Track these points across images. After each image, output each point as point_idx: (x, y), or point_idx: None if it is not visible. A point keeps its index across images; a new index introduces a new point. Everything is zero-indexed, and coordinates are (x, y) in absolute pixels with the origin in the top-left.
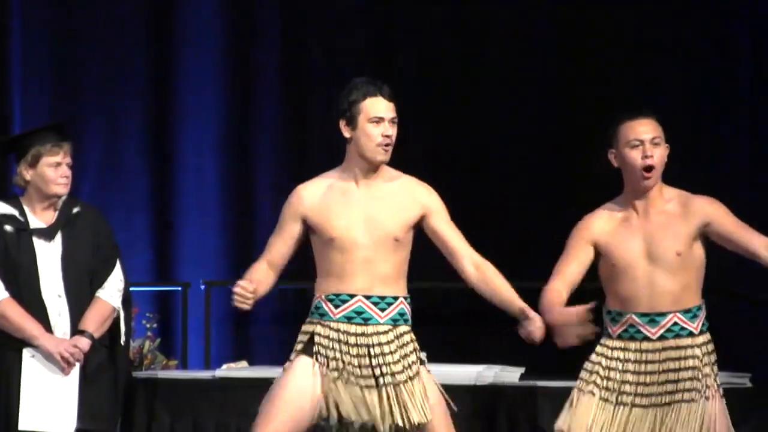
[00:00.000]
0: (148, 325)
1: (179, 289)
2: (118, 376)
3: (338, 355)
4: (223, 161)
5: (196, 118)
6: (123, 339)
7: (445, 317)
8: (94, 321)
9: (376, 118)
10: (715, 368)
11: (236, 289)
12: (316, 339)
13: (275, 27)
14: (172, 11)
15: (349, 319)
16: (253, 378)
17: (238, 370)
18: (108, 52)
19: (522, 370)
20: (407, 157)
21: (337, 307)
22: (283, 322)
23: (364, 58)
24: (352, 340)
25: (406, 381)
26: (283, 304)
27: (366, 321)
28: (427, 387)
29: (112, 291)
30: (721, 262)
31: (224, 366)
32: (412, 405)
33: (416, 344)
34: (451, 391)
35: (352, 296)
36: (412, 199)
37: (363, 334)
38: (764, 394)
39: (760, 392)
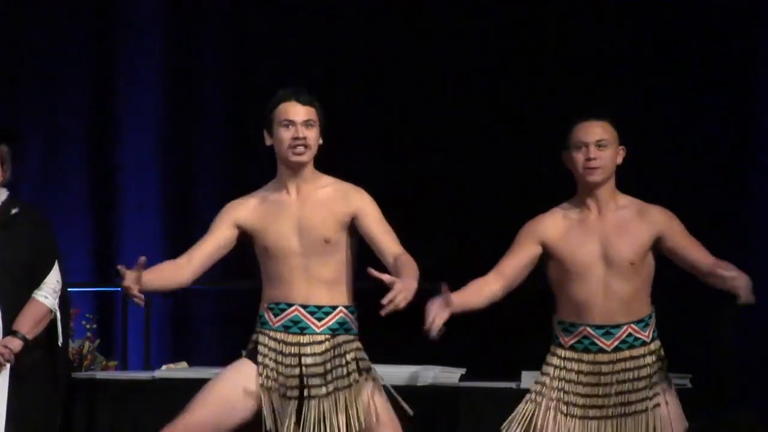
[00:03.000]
0: (87, 326)
1: (119, 289)
2: (56, 377)
3: (274, 364)
4: (163, 163)
5: (137, 120)
6: (60, 340)
7: (383, 318)
8: (28, 322)
9: (286, 121)
10: (668, 374)
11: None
12: (259, 348)
13: (219, 30)
14: (114, 12)
15: (286, 329)
16: (192, 379)
17: (177, 370)
18: (49, 53)
19: (462, 371)
20: (353, 166)
21: (276, 315)
22: (222, 323)
23: (309, 61)
24: (287, 349)
25: (329, 394)
26: (222, 304)
27: (302, 330)
28: (371, 396)
29: (48, 292)
30: (658, 262)
31: (164, 367)
32: (329, 420)
33: (359, 353)
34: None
35: (290, 305)
36: (343, 201)
37: (299, 344)
38: (704, 396)
39: (701, 393)
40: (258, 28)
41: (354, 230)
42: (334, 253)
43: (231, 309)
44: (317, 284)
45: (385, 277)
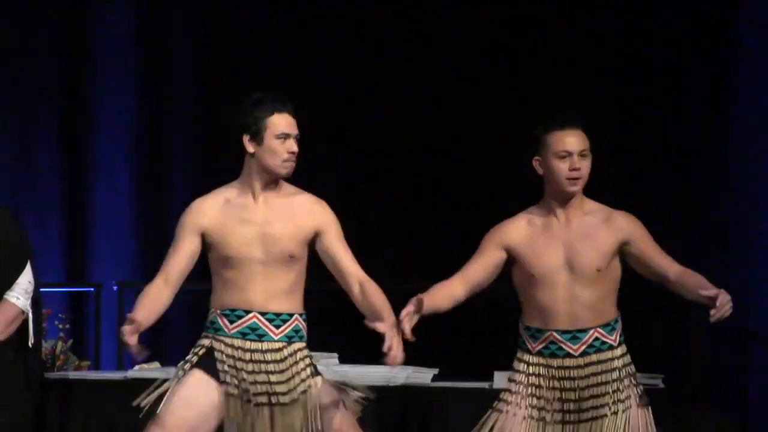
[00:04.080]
0: (60, 326)
1: (92, 290)
2: (29, 378)
3: (233, 371)
4: (136, 163)
5: (109, 119)
6: (32, 340)
7: (357, 317)
8: None
9: (283, 134)
10: (635, 378)
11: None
12: (216, 355)
13: (188, 30)
14: (85, 11)
15: (243, 335)
16: (165, 379)
17: (150, 371)
18: (21, 52)
19: (435, 371)
20: (317, 172)
21: (232, 322)
22: (195, 323)
23: (277, 66)
24: (246, 356)
25: (291, 402)
26: (194, 305)
27: (260, 337)
28: (322, 397)
29: (19, 292)
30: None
31: (136, 367)
32: (295, 425)
33: (311, 360)
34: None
35: (247, 312)
36: (308, 215)
37: (257, 351)
38: (677, 395)
39: (673, 393)
40: (231, 28)
41: (311, 242)
42: (296, 266)
43: (203, 310)
44: (276, 293)
45: (380, 328)
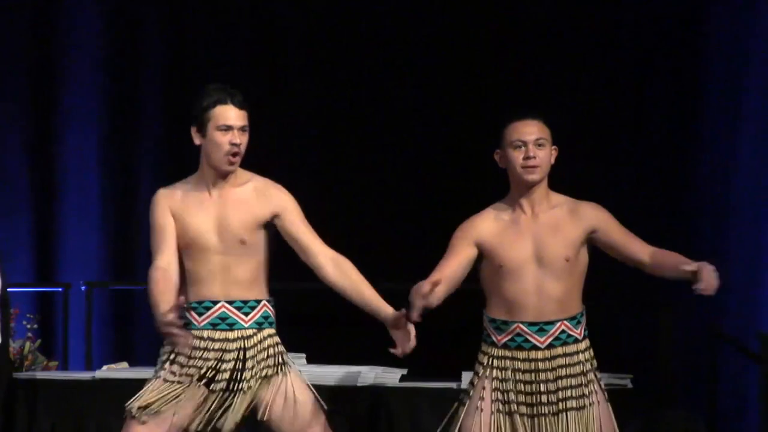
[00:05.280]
0: (28, 326)
1: (60, 290)
2: None
3: (200, 363)
4: (104, 162)
5: (77, 119)
6: (0, 340)
7: (325, 317)
8: None
9: (225, 126)
10: (598, 372)
11: (171, 331)
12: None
13: (158, 30)
14: (55, 10)
15: (213, 326)
16: (133, 379)
17: (118, 371)
18: None
19: (404, 371)
20: (292, 161)
21: (200, 314)
22: None
23: (247, 62)
24: (216, 346)
25: (261, 383)
26: None
27: (231, 326)
28: (294, 387)
29: None
30: (601, 263)
31: (105, 367)
32: (232, 411)
33: (280, 347)
34: (332, 391)
35: (215, 302)
36: (263, 200)
37: (226, 340)
38: (646, 396)
39: (642, 393)
40: (198, 23)
41: (270, 226)
42: (254, 253)
43: None
44: (237, 281)
45: (398, 352)
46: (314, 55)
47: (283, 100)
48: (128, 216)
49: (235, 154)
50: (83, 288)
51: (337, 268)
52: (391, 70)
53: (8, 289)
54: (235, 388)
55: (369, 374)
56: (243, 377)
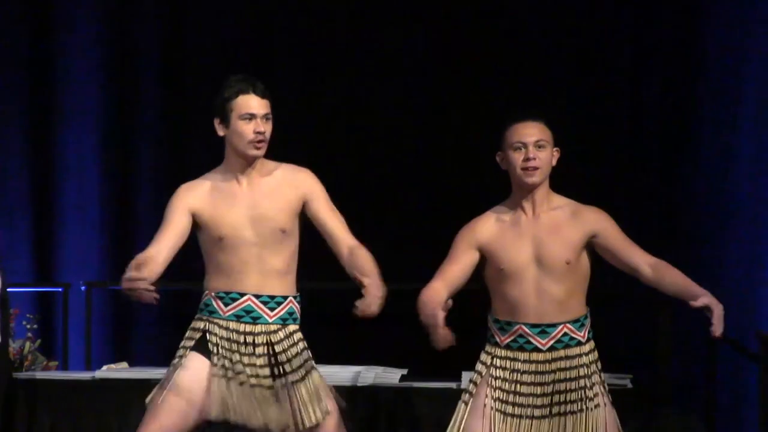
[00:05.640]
0: (28, 326)
1: (60, 290)
2: None
3: (228, 353)
4: (104, 162)
5: (77, 118)
6: (0, 340)
7: (326, 317)
8: None
9: (248, 114)
10: (602, 375)
11: (133, 285)
12: (209, 337)
13: (156, 23)
14: (55, 10)
15: (238, 318)
16: (132, 379)
17: (118, 371)
18: None
19: (404, 371)
20: (292, 155)
21: (226, 305)
22: (163, 323)
23: (245, 55)
24: (241, 338)
25: (298, 381)
26: (163, 305)
27: (255, 320)
28: (320, 387)
29: None
30: (601, 263)
31: (104, 367)
32: (304, 407)
33: (305, 344)
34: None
35: (242, 294)
36: (292, 186)
37: (251, 333)
38: (645, 396)
39: (641, 393)
40: (198, 23)
41: (301, 213)
42: (289, 242)
43: (171, 310)
44: (271, 274)
45: (365, 281)
46: (314, 55)
47: (284, 100)
48: (128, 216)
49: (260, 142)
50: (83, 288)
51: (351, 255)
52: (394, 70)
53: (8, 289)
54: (279, 384)
55: (369, 374)
56: (281, 372)
